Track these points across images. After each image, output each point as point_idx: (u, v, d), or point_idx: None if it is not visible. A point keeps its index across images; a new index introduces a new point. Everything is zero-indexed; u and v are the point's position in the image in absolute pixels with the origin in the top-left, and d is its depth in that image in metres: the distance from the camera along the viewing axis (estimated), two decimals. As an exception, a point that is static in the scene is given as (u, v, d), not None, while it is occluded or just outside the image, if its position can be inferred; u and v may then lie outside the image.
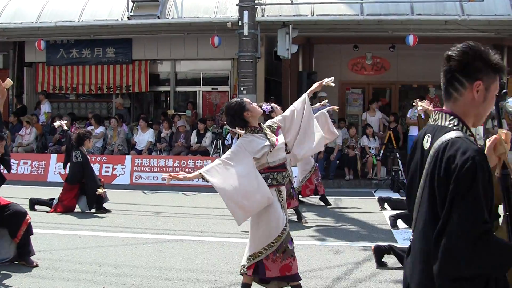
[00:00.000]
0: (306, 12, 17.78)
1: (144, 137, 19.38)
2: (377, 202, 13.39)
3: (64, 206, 12.44)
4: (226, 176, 6.13)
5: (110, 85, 22.47)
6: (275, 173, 6.45)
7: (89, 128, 19.50)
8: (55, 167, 18.00)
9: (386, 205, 13.08)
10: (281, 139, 6.60)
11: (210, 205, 13.65)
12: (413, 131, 18.15)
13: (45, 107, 22.20)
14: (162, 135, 19.84)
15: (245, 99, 6.54)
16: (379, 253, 8.06)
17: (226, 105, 6.63)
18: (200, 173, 6.12)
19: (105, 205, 12.64)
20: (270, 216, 6.30)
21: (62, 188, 12.74)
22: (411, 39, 17.55)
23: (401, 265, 7.95)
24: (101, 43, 22.25)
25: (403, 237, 10.18)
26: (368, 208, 13.35)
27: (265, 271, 6.37)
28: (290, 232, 6.53)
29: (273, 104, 10.90)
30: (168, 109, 22.63)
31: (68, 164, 13.15)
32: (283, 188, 6.63)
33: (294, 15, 17.81)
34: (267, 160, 6.40)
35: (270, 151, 6.36)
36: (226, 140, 19.11)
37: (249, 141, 6.35)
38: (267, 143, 6.35)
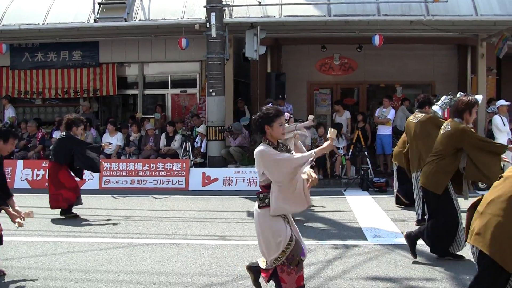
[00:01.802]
0: (273, 13, 17.81)
1: (112, 141, 19.23)
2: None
3: (68, 194, 12.34)
4: None
5: (77, 89, 22.32)
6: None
7: (56, 132, 19.33)
8: (22, 173, 17.75)
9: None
10: None
11: (180, 208, 13.64)
12: (381, 130, 18.33)
13: (9, 112, 21.91)
14: (131, 138, 19.75)
15: (285, 114, 6.47)
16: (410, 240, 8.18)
17: (265, 107, 6.46)
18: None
19: (74, 210, 12.51)
20: (271, 233, 6.24)
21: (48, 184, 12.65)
22: (377, 39, 17.71)
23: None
24: (67, 46, 22.09)
25: (373, 234, 10.25)
26: (338, 207, 13.40)
27: (281, 284, 6.28)
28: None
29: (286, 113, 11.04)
30: (137, 112, 22.54)
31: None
32: None
33: (262, 16, 17.84)
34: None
35: None
36: (195, 143, 19.10)
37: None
38: None
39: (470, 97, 8.22)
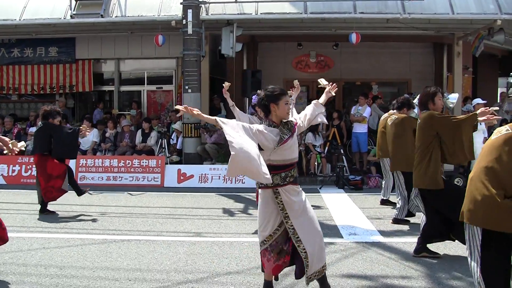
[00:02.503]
0: (250, 10, 17.84)
1: (88, 137, 19.07)
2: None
3: (58, 182, 12.31)
4: (238, 133, 5.90)
5: (53, 85, 22.21)
6: (272, 175, 6.16)
7: (32, 128, 19.24)
8: (-4, 168, 17.71)
9: None
10: (293, 138, 6.42)
11: (156, 205, 13.64)
12: (357, 128, 18.40)
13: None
14: (107, 135, 19.69)
15: (291, 96, 6.45)
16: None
17: (270, 86, 6.48)
18: (216, 119, 5.95)
19: (49, 207, 12.46)
20: (263, 214, 6.44)
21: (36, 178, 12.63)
22: (354, 37, 17.81)
23: None
24: (43, 42, 21.99)
25: (349, 232, 10.30)
26: (314, 204, 13.38)
27: (262, 266, 6.56)
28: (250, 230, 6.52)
29: None
30: (113, 108, 22.46)
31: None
32: (285, 188, 6.39)
33: (238, 14, 17.87)
34: (269, 157, 6.29)
35: (274, 148, 6.23)
36: (171, 139, 19.10)
37: (262, 130, 6.16)
38: (276, 139, 6.22)
39: (429, 88, 8.36)
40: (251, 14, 17.84)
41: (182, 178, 17.05)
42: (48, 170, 12.29)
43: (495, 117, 7.52)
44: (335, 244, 9.32)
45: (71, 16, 18.45)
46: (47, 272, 7.67)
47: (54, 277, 7.45)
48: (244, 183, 16.57)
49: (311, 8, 17.62)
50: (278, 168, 6.35)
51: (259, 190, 6.52)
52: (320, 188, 16.08)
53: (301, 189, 6.56)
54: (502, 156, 4.75)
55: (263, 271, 6.62)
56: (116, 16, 18.51)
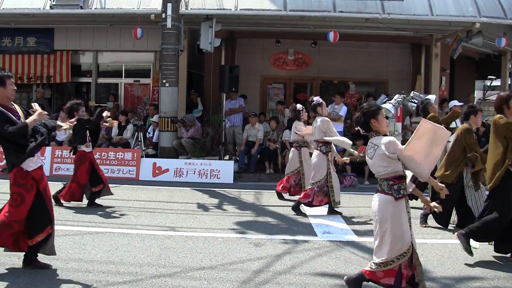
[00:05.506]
0: (229, 6, 17.85)
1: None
2: None
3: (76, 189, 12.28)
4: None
5: (30, 75, 22.06)
6: (404, 183, 6.48)
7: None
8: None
9: None
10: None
11: (130, 198, 13.65)
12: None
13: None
14: (83, 126, 19.59)
15: (384, 108, 6.54)
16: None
17: (365, 104, 6.71)
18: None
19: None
20: (399, 225, 6.42)
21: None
22: (331, 36, 17.91)
23: None
24: (22, 32, 21.81)
25: (323, 230, 10.35)
26: (289, 202, 13.45)
27: (402, 280, 6.44)
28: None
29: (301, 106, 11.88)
30: (90, 100, 22.36)
31: None
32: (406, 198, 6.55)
33: (217, 9, 17.87)
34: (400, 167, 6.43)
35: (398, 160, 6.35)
36: (147, 133, 19.08)
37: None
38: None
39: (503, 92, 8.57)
40: (230, 9, 17.86)
41: (157, 171, 17.05)
42: (78, 173, 12.36)
43: None
44: (309, 242, 9.37)
45: (50, 6, 18.36)
46: (21, 263, 7.64)
47: (27, 268, 7.43)
48: (219, 178, 16.63)
49: (291, 5, 17.67)
50: (402, 178, 6.52)
51: (395, 202, 6.45)
52: (295, 185, 16.11)
53: None
54: None
55: (399, 285, 6.47)
56: (95, 8, 18.44)
